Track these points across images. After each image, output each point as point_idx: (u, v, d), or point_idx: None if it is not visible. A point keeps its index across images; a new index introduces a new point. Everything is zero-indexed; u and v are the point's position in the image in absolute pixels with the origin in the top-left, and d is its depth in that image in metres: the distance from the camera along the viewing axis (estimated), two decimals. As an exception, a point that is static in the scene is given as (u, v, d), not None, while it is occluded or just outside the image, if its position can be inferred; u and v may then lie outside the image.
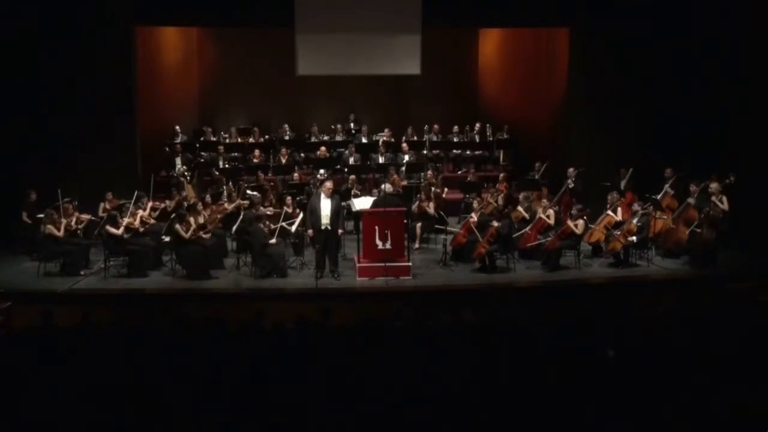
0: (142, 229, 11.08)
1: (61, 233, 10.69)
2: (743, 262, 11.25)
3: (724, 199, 10.99)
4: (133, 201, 11.28)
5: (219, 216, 11.72)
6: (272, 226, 10.92)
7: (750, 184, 11.46)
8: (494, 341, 6.51)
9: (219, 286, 10.57)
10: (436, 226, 12.09)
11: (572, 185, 12.69)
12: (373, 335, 6.65)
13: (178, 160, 14.31)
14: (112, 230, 10.61)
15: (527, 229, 11.49)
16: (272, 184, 13.51)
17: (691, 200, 11.38)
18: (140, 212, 11.26)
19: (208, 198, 12.05)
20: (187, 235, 10.57)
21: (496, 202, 12.24)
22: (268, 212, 11.43)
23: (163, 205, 12.16)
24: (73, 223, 11.09)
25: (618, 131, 13.51)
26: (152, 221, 11.56)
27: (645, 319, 7.47)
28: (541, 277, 10.87)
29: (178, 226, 10.62)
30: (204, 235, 10.88)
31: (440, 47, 15.81)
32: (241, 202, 12.06)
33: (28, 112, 12.55)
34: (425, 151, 15.27)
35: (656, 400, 5.32)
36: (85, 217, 11.45)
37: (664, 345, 6.40)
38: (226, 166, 14.40)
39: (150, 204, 11.77)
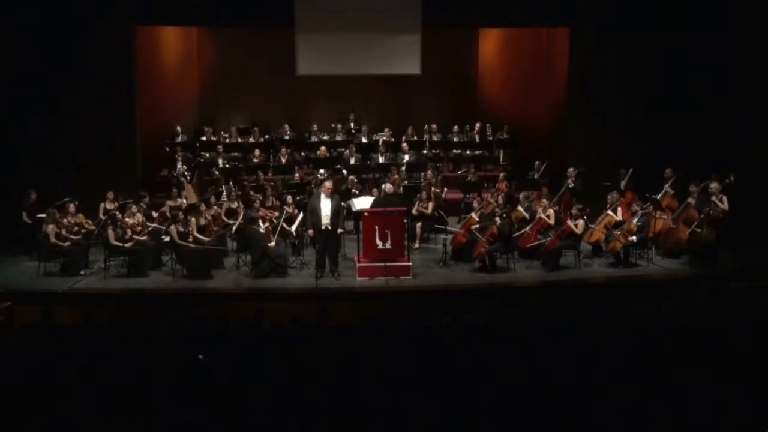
0: (141, 230, 11.06)
1: (53, 240, 10.64)
2: (743, 262, 11.25)
3: (724, 198, 10.98)
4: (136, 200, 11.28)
5: (221, 223, 11.71)
6: (269, 227, 10.91)
7: (750, 184, 11.46)
8: (494, 341, 6.51)
9: (219, 286, 10.58)
10: (436, 226, 12.09)
11: (572, 185, 12.67)
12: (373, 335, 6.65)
13: (179, 160, 14.31)
14: (112, 238, 10.61)
15: (527, 229, 11.48)
16: (272, 184, 13.51)
17: (691, 200, 11.38)
18: (128, 220, 10.97)
19: (213, 199, 12.04)
20: (178, 240, 10.60)
21: (496, 202, 12.22)
22: (268, 214, 11.41)
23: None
24: (74, 223, 11.06)
25: (618, 131, 13.49)
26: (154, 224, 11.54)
27: (645, 319, 7.46)
28: (541, 277, 10.86)
29: (172, 227, 10.63)
30: (203, 238, 10.88)
31: (440, 47, 15.79)
32: (231, 205, 12.01)
33: (28, 112, 12.54)
34: (425, 151, 15.27)
35: (656, 399, 5.32)
36: (89, 224, 11.37)
37: (664, 345, 6.40)
38: (226, 166, 14.40)
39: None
